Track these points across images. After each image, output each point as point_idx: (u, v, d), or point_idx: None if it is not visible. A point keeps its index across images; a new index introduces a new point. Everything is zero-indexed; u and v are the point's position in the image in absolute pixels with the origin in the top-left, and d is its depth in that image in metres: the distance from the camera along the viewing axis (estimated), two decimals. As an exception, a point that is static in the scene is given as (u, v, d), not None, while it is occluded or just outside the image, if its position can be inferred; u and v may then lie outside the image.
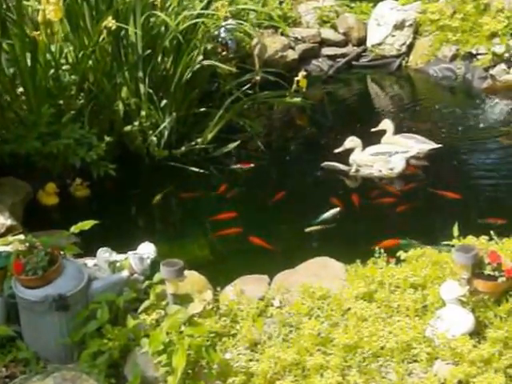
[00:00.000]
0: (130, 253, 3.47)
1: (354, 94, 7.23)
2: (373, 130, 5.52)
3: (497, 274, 3.27)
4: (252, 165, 5.47)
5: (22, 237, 3.65)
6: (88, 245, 3.95)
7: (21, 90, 4.94)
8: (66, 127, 4.80)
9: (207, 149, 5.56)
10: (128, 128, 5.31)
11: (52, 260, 3.22)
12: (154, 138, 5.31)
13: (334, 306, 3.43)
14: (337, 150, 5.40)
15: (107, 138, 4.91)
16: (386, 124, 5.55)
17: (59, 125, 4.83)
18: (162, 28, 5.36)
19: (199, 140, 5.50)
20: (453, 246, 3.66)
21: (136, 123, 5.30)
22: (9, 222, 4.03)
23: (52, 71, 4.95)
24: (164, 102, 5.37)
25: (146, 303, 3.33)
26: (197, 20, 5.38)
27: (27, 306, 3.22)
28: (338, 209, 4.77)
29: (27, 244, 3.32)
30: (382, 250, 3.75)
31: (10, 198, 4.53)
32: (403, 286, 3.49)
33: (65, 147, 4.72)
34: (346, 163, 5.34)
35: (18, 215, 4.50)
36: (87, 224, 3.58)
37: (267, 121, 6.34)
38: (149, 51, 5.21)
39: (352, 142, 5.36)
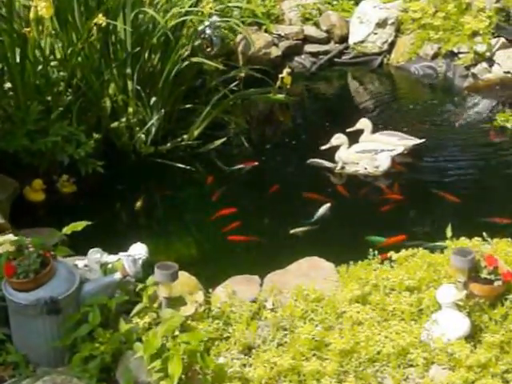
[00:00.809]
0: (122, 254, 3.43)
1: (335, 90, 7.28)
2: (349, 129, 5.48)
3: (493, 277, 3.26)
4: (256, 163, 5.43)
5: (11, 236, 3.59)
6: (75, 243, 3.90)
7: (8, 85, 4.84)
8: (54, 124, 4.76)
9: (192, 145, 5.49)
10: (115, 124, 5.28)
11: (44, 262, 3.16)
12: (142, 135, 5.23)
13: (328, 308, 3.44)
14: (323, 147, 5.40)
15: (95, 136, 4.86)
16: (364, 123, 5.54)
17: (47, 122, 4.78)
18: (151, 25, 5.29)
19: (185, 136, 5.45)
20: (445, 246, 3.69)
21: (123, 120, 5.27)
22: (-4, 218, 3.96)
23: (40, 67, 4.89)
24: (151, 98, 5.30)
25: (139, 306, 3.29)
26: (185, 17, 5.31)
27: (18, 309, 3.17)
28: (328, 204, 4.77)
29: (18, 245, 3.25)
30: (376, 252, 3.73)
31: (-2, 195, 4.46)
32: (398, 289, 3.50)
33: (53, 144, 4.68)
34: (331, 160, 5.35)
35: (5, 212, 4.46)
36: (79, 225, 3.53)
37: (250, 117, 6.30)
38: (138, 48, 5.13)
39: (338, 139, 5.37)
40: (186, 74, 5.61)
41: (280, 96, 5.97)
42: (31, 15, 4.52)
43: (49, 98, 4.99)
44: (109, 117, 5.31)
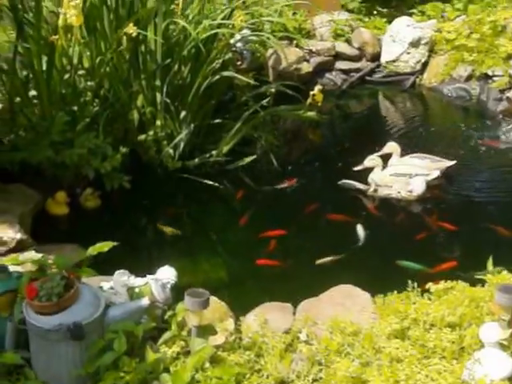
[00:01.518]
0: (149, 277, 3.25)
1: (366, 109, 7.11)
2: (377, 154, 5.28)
3: (537, 315, 3.07)
4: (295, 180, 5.24)
5: (33, 254, 3.43)
6: (98, 260, 3.71)
7: (33, 93, 4.69)
8: (80, 136, 4.60)
9: (221, 161, 5.34)
10: (142, 137, 5.11)
11: (68, 285, 2.98)
12: (170, 150, 5.07)
13: (365, 343, 3.24)
14: (356, 168, 5.23)
15: (123, 149, 4.68)
16: (392, 147, 5.34)
17: (73, 133, 4.61)
18: (182, 36, 5.13)
19: (214, 152, 5.27)
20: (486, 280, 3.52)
21: (151, 133, 5.09)
22: (19, 235, 3.79)
23: (67, 76, 4.73)
24: (180, 112, 5.14)
25: (167, 334, 3.11)
26: (218, 30, 5.14)
27: (39, 334, 2.98)
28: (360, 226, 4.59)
29: (40, 265, 3.08)
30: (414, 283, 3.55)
31: (19, 208, 4.30)
32: (439, 325, 3.30)
33: (78, 157, 4.49)
34: (363, 181, 5.18)
35: (27, 226, 4.30)
36: (105, 246, 3.36)
37: (280, 134, 6.09)
38: (168, 60, 4.98)
39: (372, 160, 5.19)
40: (217, 87, 5.45)
41: (311, 114, 5.81)
42: (59, 22, 4.35)
43: (75, 108, 4.83)
44: (136, 129, 5.15)
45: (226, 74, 5.30)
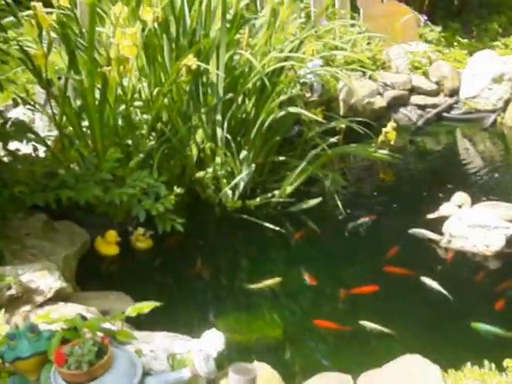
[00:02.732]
0: (194, 344, 2.91)
1: (443, 149, 6.64)
2: (447, 204, 4.88)
3: None
4: (374, 217, 4.90)
5: (70, 305, 3.13)
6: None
7: (86, 124, 4.43)
8: (133, 173, 4.28)
9: (284, 202, 4.98)
10: (201, 175, 4.77)
11: (100, 350, 2.66)
12: (229, 191, 4.74)
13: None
14: (430, 216, 4.84)
15: (177, 189, 4.35)
16: (461, 198, 4.88)
17: (125, 169, 4.29)
18: (246, 68, 4.80)
19: (276, 192, 4.92)
20: None
21: (210, 170, 4.75)
22: (58, 283, 3.47)
23: (122, 108, 4.43)
24: (242, 148, 4.82)
25: (210, 410, 2.76)
26: (285, 63, 4.80)
27: (66, 403, 2.66)
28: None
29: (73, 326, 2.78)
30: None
31: (63, 250, 4.01)
32: (520, 416, 2.86)
33: (129, 197, 4.17)
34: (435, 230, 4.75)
35: (71, 270, 4.01)
36: (146, 307, 3.02)
37: (348, 173, 5.73)
38: (231, 94, 4.65)
39: (448, 209, 4.81)
40: (282, 122, 5.11)
41: (384, 154, 5.39)
42: (112, 53, 4.05)
43: (129, 142, 4.54)
44: (194, 166, 4.84)
45: (292, 110, 4.93)
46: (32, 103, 4.58)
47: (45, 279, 3.46)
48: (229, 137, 4.76)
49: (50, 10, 4.11)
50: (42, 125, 5.11)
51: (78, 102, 4.56)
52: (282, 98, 4.86)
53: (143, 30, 4.35)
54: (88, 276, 4.12)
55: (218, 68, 4.59)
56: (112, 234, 4.40)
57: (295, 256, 4.63)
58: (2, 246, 3.71)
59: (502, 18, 8.68)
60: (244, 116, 4.93)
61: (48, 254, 3.93)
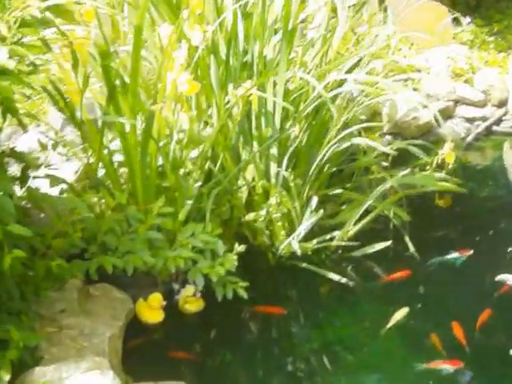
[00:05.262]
0: None
1: (498, 168, 5.87)
2: None
3: None
4: (471, 252, 4.22)
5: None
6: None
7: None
8: (184, 228, 3.53)
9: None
10: (251, 217, 4.05)
11: None
12: (284, 232, 4.06)
13: None
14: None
15: (238, 247, 3.64)
16: None
17: (174, 221, 3.56)
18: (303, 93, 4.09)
19: (336, 233, 4.22)
20: None
21: (262, 212, 4.03)
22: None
23: (162, 143, 3.70)
24: (299, 186, 4.11)
25: None
26: (353, 86, 4.10)
27: None
28: None
29: None
30: None
31: (107, 328, 3.26)
32: None
33: (184, 261, 3.45)
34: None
35: (117, 354, 3.26)
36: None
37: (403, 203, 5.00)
38: (290, 125, 3.95)
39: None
40: (341, 152, 4.40)
41: (450, 184, 4.65)
42: (168, 91, 3.29)
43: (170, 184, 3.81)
44: (243, 207, 4.13)
45: (359, 141, 4.23)
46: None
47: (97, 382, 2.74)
48: (286, 174, 4.04)
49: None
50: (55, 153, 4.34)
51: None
52: (357, 126, 4.14)
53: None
54: (134, 356, 3.40)
55: (274, 94, 3.87)
56: (157, 298, 3.68)
57: (365, 314, 3.95)
58: (38, 341, 2.97)
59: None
60: (300, 148, 4.21)
61: (89, 335, 3.20)
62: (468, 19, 7.04)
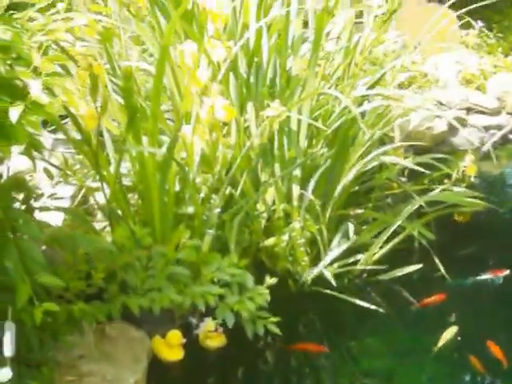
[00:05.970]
0: None
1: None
2: None
3: None
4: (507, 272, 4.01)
5: None
6: None
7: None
8: (208, 260, 3.25)
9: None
10: (270, 242, 3.78)
11: None
12: (307, 258, 3.80)
13: None
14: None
15: (270, 280, 3.38)
16: None
17: (198, 253, 3.29)
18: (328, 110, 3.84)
19: (360, 256, 3.97)
20: None
21: (284, 237, 3.77)
22: None
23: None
24: (321, 207, 3.85)
25: None
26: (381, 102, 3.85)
27: None
28: None
29: None
30: None
31: (130, 373, 2.98)
32: None
33: (213, 297, 3.18)
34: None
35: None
36: None
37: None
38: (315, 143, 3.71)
39: None
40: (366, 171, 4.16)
41: (474, 198, 4.42)
42: (204, 118, 3.02)
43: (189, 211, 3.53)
44: (263, 232, 3.87)
45: (388, 159, 3.98)
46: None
47: None
48: (311, 196, 3.78)
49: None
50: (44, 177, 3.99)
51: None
52: (389, 146, 3.91)
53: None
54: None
55: (299, 112, 3.61)
56: (176, 336, 3.40)
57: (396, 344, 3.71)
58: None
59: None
60: (326, 169, 3.95)
61: (113, 381, 2.94)
62: (480, 23, 6.79)
